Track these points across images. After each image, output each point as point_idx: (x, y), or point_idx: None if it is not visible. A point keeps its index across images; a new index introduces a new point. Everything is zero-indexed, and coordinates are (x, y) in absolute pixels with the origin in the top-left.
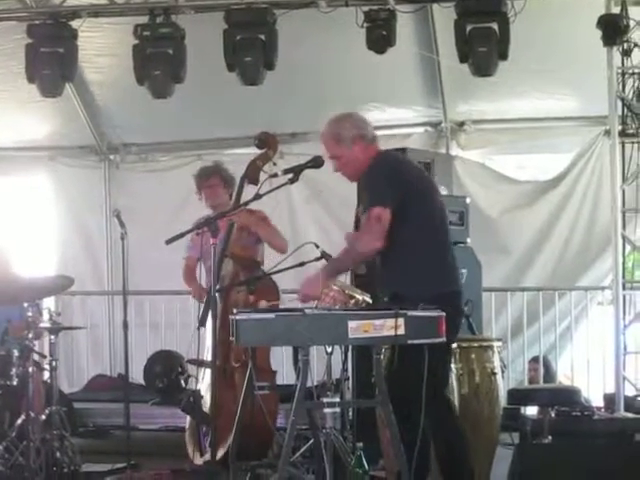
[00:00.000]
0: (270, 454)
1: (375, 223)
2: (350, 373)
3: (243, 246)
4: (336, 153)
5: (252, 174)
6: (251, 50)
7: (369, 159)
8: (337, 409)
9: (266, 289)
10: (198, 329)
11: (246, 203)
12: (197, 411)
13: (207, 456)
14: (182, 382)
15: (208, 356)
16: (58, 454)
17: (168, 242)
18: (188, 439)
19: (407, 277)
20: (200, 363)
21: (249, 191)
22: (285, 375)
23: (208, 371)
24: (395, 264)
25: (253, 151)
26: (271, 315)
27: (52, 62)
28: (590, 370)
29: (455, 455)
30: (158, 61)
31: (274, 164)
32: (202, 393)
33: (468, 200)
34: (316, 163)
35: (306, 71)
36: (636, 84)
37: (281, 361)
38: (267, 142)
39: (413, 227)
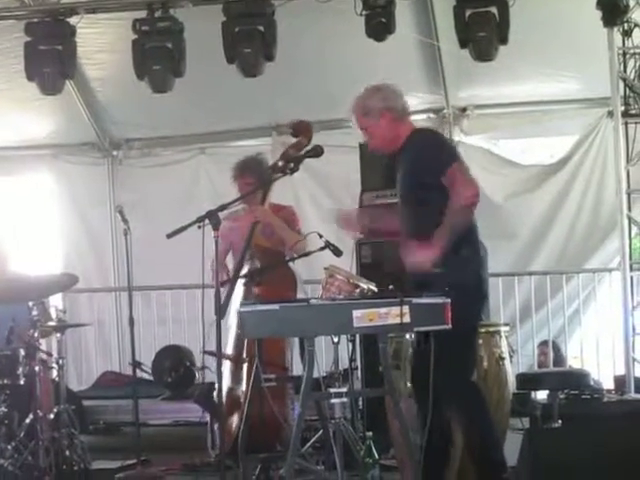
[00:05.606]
0: (278, 446)
1: (462, 174)
2: (358, 362)
3: (267, 236)
4: (363, 125)
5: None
6: (250, 42)
7: (404, 134)
8: (345, 399)
9: (284, 280)
10: (218, 321)
11: (243, 196)
12: (210, 403)
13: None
14: (196, 374)
15: (227, 349)
16: (67, 452)
17: (169, 236)
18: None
19: (445, 257)
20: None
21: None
22: (294, 366)
23: (226, 363)
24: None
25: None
26: (275, 306)
27: (51, 60)
28: (600, 352)
29: (488, 445)
30: (157, 56)
31: None
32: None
33: None
34: (316, 152)
35: (306, 61)
36: (637, 64)
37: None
38: (300, 130)
39: None
